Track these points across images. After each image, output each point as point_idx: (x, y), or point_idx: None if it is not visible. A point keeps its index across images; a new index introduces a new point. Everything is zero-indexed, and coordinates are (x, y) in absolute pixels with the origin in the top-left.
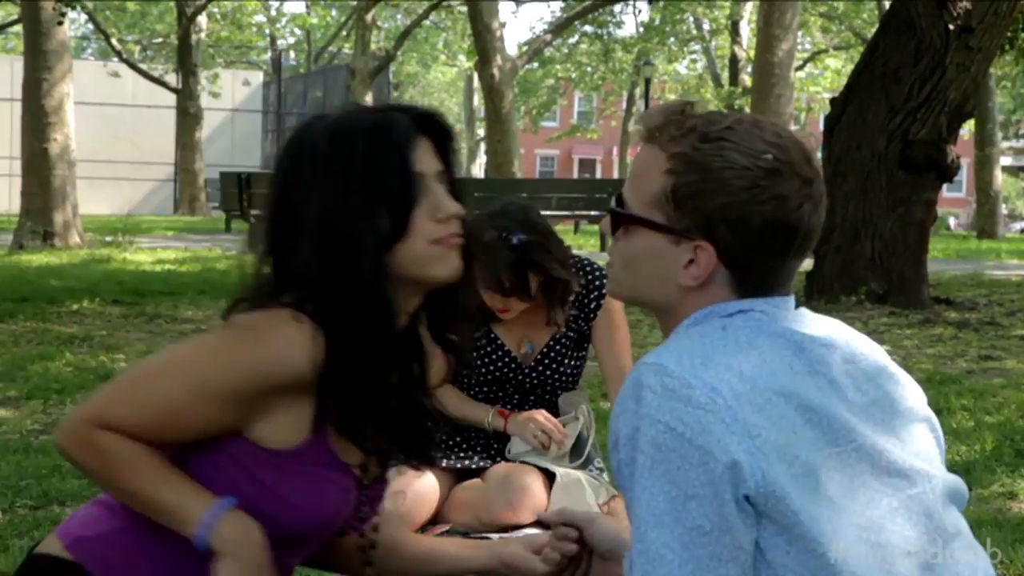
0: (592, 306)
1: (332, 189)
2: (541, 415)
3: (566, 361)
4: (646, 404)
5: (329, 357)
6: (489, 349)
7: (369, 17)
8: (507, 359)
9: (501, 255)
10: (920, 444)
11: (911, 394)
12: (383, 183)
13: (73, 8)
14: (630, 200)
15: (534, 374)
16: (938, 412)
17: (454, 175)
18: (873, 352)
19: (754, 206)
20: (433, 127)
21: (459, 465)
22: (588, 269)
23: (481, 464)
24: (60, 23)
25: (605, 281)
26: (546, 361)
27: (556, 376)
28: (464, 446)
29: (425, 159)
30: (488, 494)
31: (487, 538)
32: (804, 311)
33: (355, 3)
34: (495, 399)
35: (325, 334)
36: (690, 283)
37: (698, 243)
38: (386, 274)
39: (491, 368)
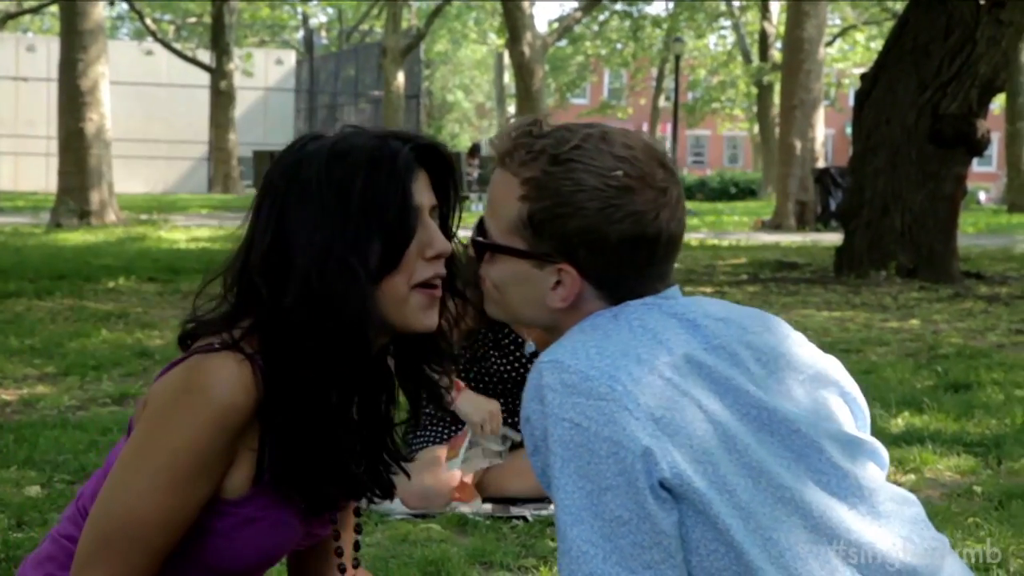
0: None
1: (328, 216)
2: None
3: None
4: (549, 403)
5: (271, 396)
6: (511, 347)
7: None
8: (519, 355)
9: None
10: (829, 409)
11: (814, 360)
12: (381, 215)
13: None
14: (491, 227)
15: None
16: (968, 386)
17: (449, 211)
18: (769, 325)
19: (610, 225)
20: (433, 159)
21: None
22: None
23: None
24: (98, 2)
25: None
26: None
27: None
28: (447, 420)
29: (422, 192)
30: None
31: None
32: (694, 296)
33: None
34: (504, 392)
35: (271, 373)
36: (559, 305)
37: (560, 266)
38: (373, 307)
39: (503, 364)
